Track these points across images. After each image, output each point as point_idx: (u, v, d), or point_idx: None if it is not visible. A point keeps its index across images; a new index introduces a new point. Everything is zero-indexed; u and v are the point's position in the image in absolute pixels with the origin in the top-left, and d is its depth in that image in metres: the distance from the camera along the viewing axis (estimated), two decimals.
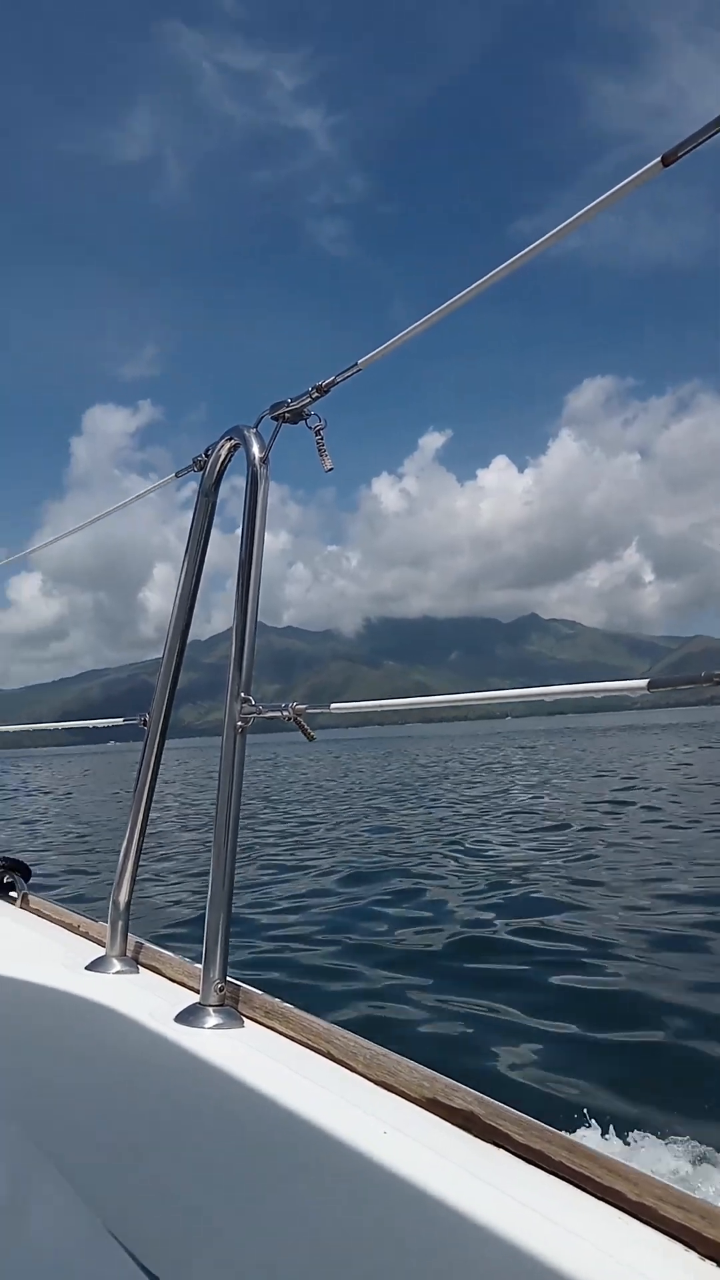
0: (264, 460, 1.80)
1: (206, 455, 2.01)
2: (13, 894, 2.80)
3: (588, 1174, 1.02)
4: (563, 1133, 1.08)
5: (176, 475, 2.19)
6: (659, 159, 1.22)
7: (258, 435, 1.83)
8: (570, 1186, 1.02)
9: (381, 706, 1.58)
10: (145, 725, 2.07)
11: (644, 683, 1.08)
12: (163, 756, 2.09)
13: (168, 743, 2.12)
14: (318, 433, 1.79)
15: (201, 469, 2.02)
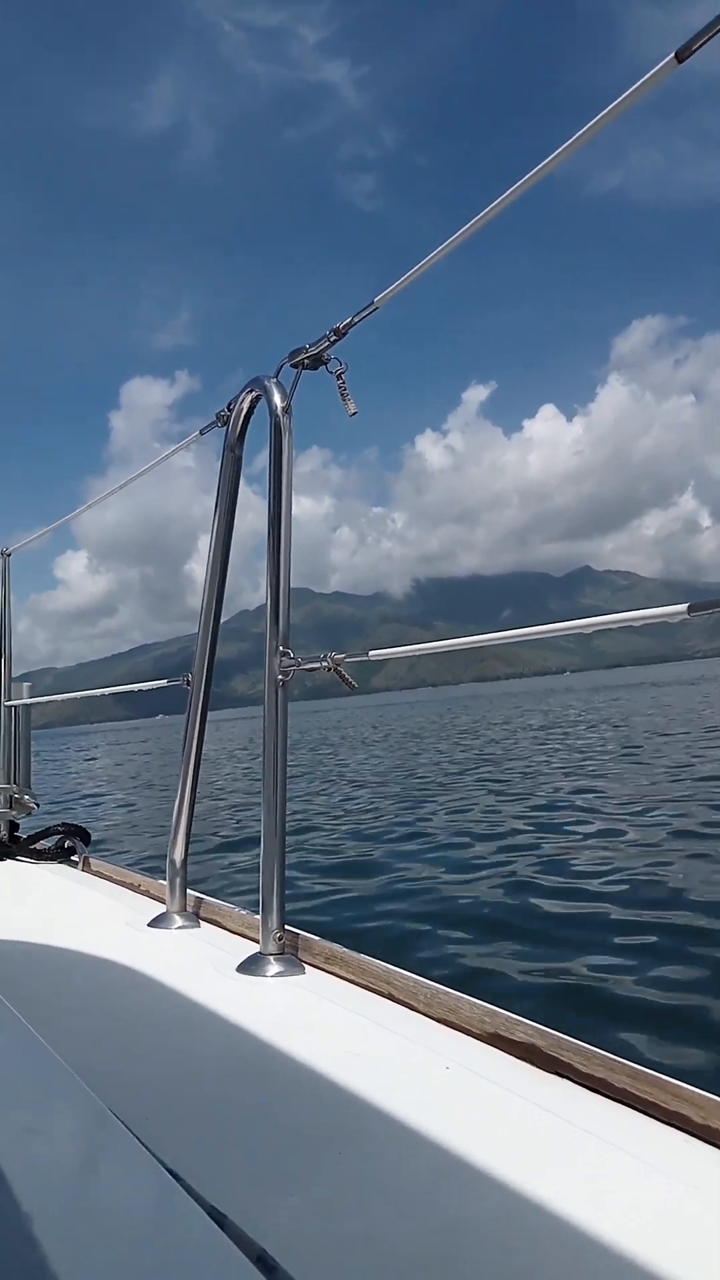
0: (286, 410, 1.78)
1: (229, 410, 1.99)
2: (74, 858, 2.87)
3: (652, 1099, 1.02)
4: (626, 1060, 1.08)
5: (201, 433, 2.17)
6: (672, 55, 1.15)
7: (278, 385, 1.81)
8: (635, 1113, 1.03)
9: (420, 650, 1.57)
10: (189, 685, 2.09)
11: (683, 607, 1.06)
12: (208, 715, 2.11)
13: (223, 711, 2.12)
14: (339, 376, 1.76)
15: (225, 423, 2.00)
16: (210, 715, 2.13)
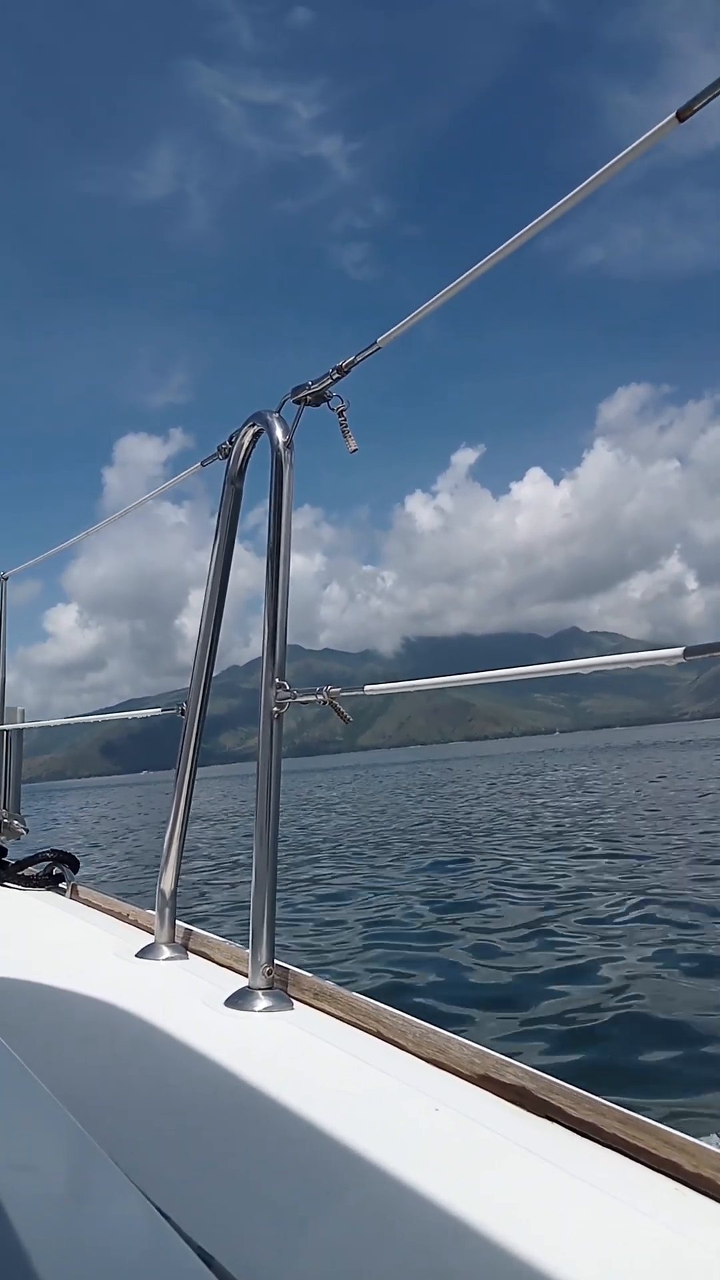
0: (288, 445, 1.79)
1: (230, 443, 2.01)
2: (62, 885, 2.84)
3: (643, 1146, 1.01)
4: (617, 1105, 1.08)
5: (202, 465, 2.19)
6: (674, 115, 1.19)
7: (280, 420, 1.83)
8: (625, 1159, 1.02)
9: (415, 687, 1.58)
10: (183, 714, 2.09)
11: (679, 650, 1.07)
12: (201, 747, 2.11)
13: (211, 767, 2.12)
14: (340, 414, 1.78)
15: (226, 456, 2.02)
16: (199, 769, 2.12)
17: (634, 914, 7.29)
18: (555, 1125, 1.11)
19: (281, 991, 1.62)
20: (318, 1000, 1.59)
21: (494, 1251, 0.87)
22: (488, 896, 8.60)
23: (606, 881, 8.97)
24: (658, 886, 8.47)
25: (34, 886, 2.89)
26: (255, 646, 1.78)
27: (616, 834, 12.95)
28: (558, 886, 8.86)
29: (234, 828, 20.27)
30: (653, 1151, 1.00)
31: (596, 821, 14.93)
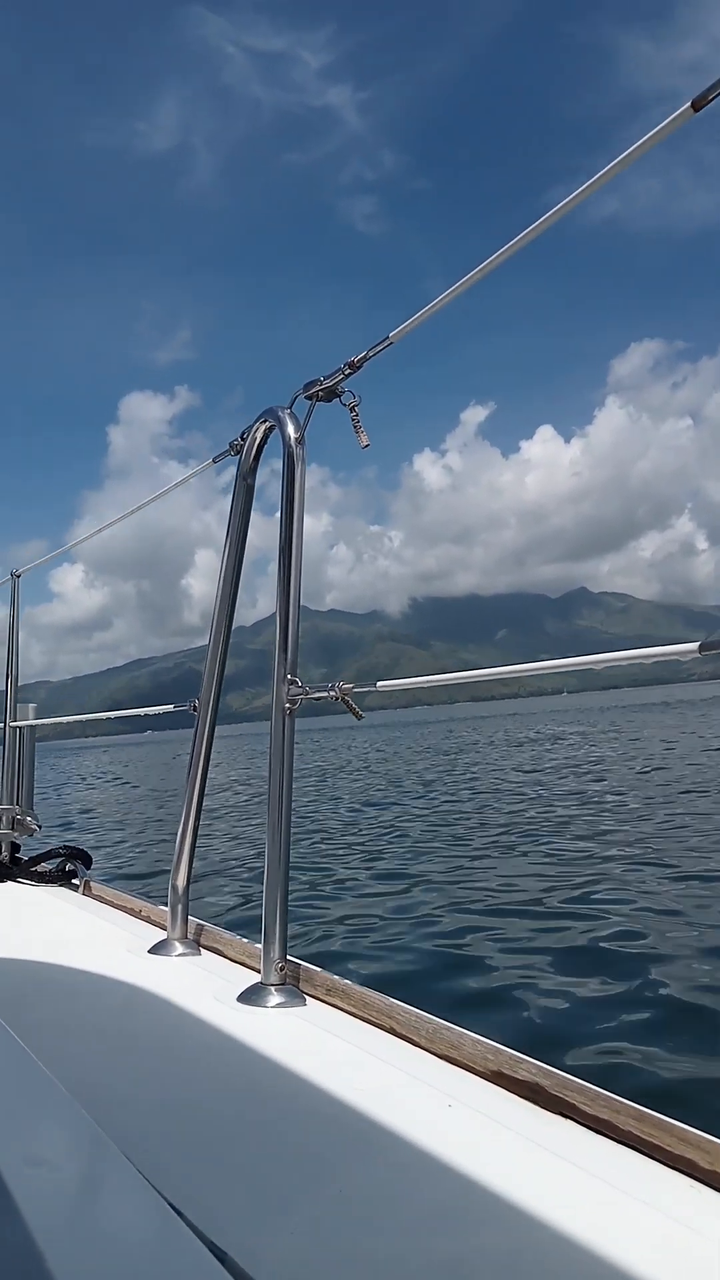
0: (300, 440, 1.79)
1: (242, 439, 2.01)
2: (75, 881, 2.85)
3: (658, 1143, 1.01)
4: (631, 1102, 1.07)
5: (214, 461, 2.19)
6: (689, 104, 1.18)
7: (292, 416, 1.82)
8: (640, 1155, 1.02)
9: (429, 682, 1.57)
10: (195, 711, 2.09)
11: (694, 646, 1.06)
12: (214, 742, 2.11)
13: (219, 726, 2.13)
14: (352, 409, 1.78)
15: (239, 453, 2.02)
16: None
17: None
18: (569, 1122, 1.10)
19: (294, 988, 1.63)
20: (330, 996, 1.59)
21: (509, 1249, 0.86)
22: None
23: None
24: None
25: (47, 882, 2.91)
26: (262, 607, 1.79)
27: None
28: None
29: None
30: (668, 1149, 1.00)
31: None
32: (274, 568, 1.82)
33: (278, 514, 1.85)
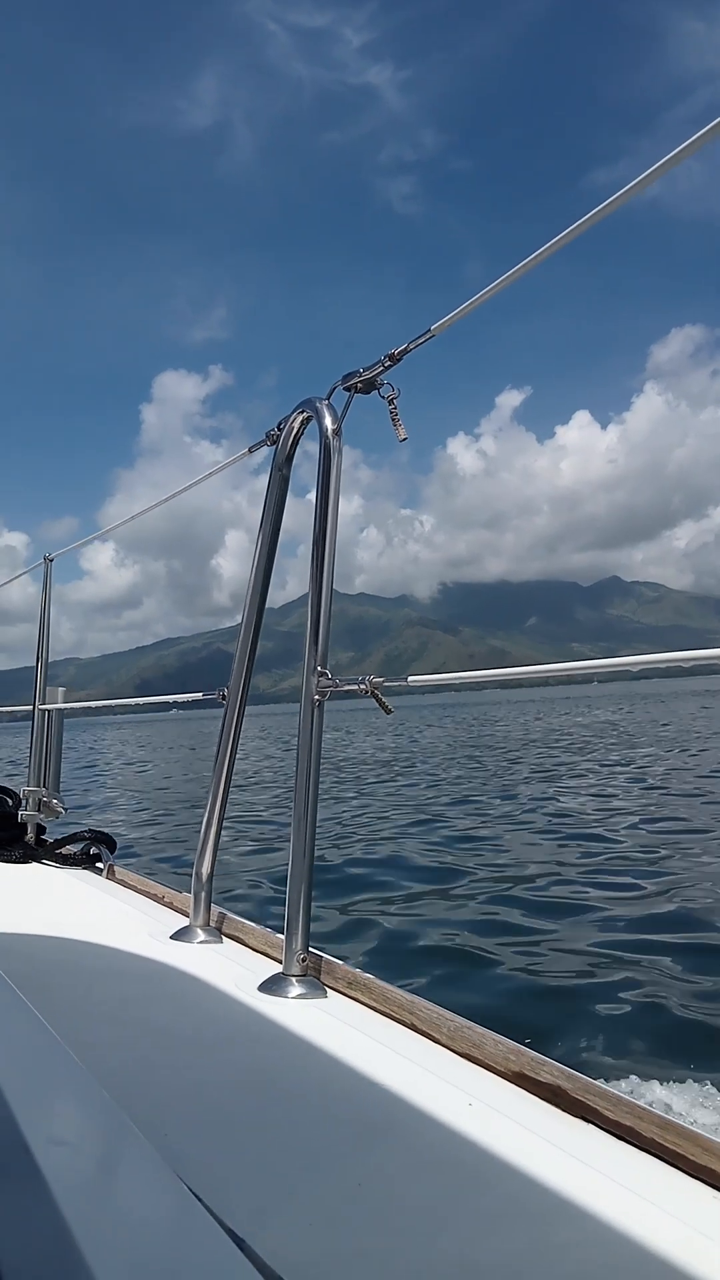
0: (336, 432, 1.78)
1: (279, 429, 2.01)
2: (99, 865, 2.87)
3: (681, 1151, 1.00)
4: (655, 1109, 1.06)
5: (250, 450, 2.18)
6: None
7: (330, 407, 1.82)
8: (663, 1164, 1.00)
9: (459, 678, 1.56)
10: (224, 700, 2.09)
11: None
12: (242, 730, 2.11)
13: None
14: (391, 402, 1.76)
15: (275, 443, 2.02)
16: None
17: None
18: (591, 1126, 1.10)
19: (315, 979, 1.63)
20: (351, 989, 1.59)
21: (526, 1251, 0.86)
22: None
23: None
24: None
25: (71, 865, 2.93)
26: (291, 589, 1.79)
27: None
28: None
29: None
30: (690, 1157, 0.99)
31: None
32: (304, 550, 1.82)
33: (308, 495, 1.85)
